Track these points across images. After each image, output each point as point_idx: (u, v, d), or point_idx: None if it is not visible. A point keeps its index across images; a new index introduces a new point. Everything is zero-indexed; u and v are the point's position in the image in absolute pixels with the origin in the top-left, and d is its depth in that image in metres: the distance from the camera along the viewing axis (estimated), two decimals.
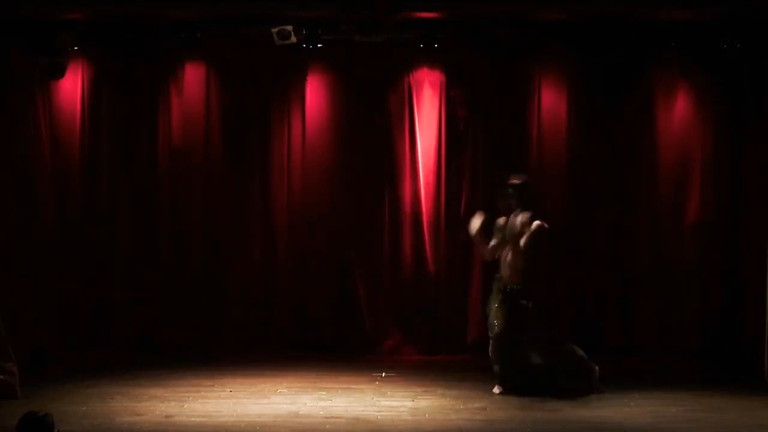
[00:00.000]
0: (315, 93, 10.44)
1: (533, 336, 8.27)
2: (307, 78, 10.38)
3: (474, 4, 9.28)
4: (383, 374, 9.26)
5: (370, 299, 10.43)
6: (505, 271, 8.39)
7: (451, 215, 10.38)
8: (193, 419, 7.60)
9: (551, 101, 10.37)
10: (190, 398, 8.24)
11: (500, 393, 8.41)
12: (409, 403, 8.18)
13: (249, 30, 9.77)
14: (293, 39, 9.44)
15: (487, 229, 8.50)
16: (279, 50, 9.67)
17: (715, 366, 9.83)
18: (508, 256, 8.38)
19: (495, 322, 8.42)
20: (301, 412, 7.83)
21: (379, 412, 7.89)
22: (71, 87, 10.35)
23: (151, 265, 10.40)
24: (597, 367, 8.42)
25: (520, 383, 8.36)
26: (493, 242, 8.48)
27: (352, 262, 10.44)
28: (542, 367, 8.30)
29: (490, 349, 8.48)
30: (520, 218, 8.37)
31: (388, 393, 8.55)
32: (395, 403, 8.17)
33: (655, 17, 9.50)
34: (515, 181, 8.48)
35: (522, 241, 8.26)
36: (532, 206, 8.41)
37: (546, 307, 8.32)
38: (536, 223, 8.29)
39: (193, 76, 10.44)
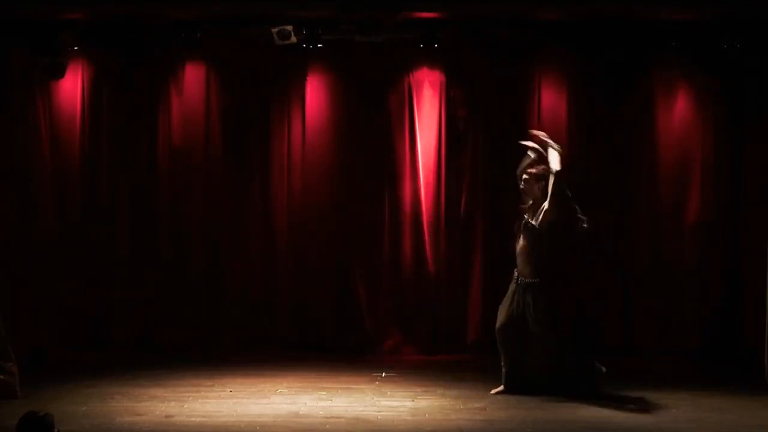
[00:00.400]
0: (315, 93, 10.44)
1: (536, 334, 8.23)
2: (307, 78, 10.38)
3: (474, 4, 9.28)
4: (383, 374, 9.26)
5: (370, 299, 10.42)
6: (518, 262, 8.35)
7: (451, 215, 10.38)
8: (193, 419, 7.59)
9: (551, 101, 10.36)
10: (190, 398, 8.24)
11: (500, 392, 8.39)
12: (409, 403, 8.17)
13: (249, 30, 9.77)
14: (293, 39, 9.43)
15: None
16: (279, 50, 9.67)
17: (715, 366, 9.82)
18: (519, 245, 8.34)
19: (498, 316, 8.41)
20: (301, 412, 7.82)
21: (379, 412, 7.89)
22: (71, 87, 10.34)
23: (151, 265, 10.40)
24: (603, 368, 8.33)
25: (521, 383, 8.35)
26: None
27: (352, 262, 10.44)
28: (544, 367, 8.27)
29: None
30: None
31: (388, 393, 8.54)
32: (395, 403, 8.16)
33: (655, 17, 9.49)
34: (532, 171, 8.37)
35: (535, 222, 8.19)
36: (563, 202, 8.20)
37: (555, 307, 8.26)
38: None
39: (193, 76, 10.43)
